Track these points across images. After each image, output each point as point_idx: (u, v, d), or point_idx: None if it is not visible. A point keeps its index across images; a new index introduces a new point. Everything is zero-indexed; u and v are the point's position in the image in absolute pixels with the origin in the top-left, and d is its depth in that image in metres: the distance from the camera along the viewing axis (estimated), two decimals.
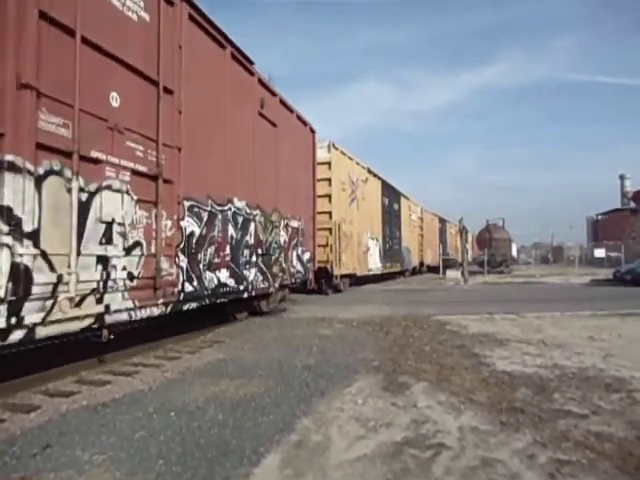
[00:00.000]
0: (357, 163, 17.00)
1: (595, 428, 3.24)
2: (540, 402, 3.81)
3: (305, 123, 11.11)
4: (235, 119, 7.34)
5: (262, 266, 8.41)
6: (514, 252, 41.33)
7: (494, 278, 25.12)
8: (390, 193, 21.90)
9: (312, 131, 11.73)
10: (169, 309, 5.61)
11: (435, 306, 11.00)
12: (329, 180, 14.24)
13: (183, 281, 5.85)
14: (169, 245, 5.57)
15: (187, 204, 6.00)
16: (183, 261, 5.87)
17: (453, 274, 25.95)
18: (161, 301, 5.40)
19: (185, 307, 6.02)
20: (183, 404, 3.92)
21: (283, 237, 9.52)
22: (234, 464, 2.81)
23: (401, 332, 7.32)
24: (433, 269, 32.24)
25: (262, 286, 8.42)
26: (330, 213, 14.17)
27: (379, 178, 20.07)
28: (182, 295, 5.83)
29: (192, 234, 6.12)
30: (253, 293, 8.07)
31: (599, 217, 59.13)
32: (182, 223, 5.86)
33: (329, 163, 14.31)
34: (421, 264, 29.47)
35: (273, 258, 8.92)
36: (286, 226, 9.64)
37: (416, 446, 3.01)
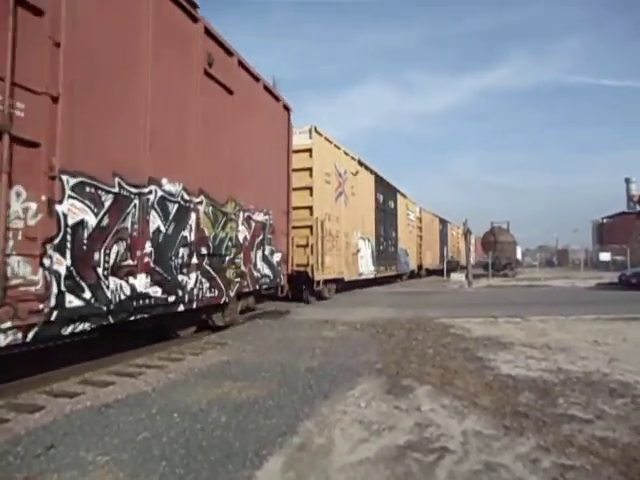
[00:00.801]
0: (345, 153, 14.98)
1: (599, 433, 3.22)
2: (544, 406, 3.79)
3: (277, 98, 9.28)
4: (164, 72, 5.61)
5: (209, 270, 6.60)
6: (519, 255, 41.22)
7: (499, 281, 25.03)
8: (385, 189, 19.95)
9: (287, 109, 9.76)
10: (30, 335, 3.82)
11: (439, 309, 10.96)
12: (310, 170, 12.16)
13: (60, 293, 4.04)
14: (30, 239, 3.79)
15: (71, 181, 4.19)
16: (61, 263, 4.05)
17: (457, 277, 25.83)
18: (7, 325, 3.56)
19: (67, 330, 4.22)
20: (186, 406, 3.93)
21: (243, 233, 7.69)
22: (237, 466, 2.81)
23: (404, 335, 7.31)
24: (433, 272, 31.02)
25: (209, 295, 6.59)
26: (311, 208, 12.09)
27: (372, 172, 18.05)
28: (57, 313, 4.00)
29: (81, 224, 4.31)
30: (195, 305, 6.28)
31: (604, 220, 58.85)
32: (59, 208, 4.05)
33: (310, 150, 12.23)
34: (420, 267, 28.05)
35: (227, 259, 7.12)
36: (247, 220, 7.86)
37: (419, 450, 3.00)
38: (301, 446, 3.10)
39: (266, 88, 8.77)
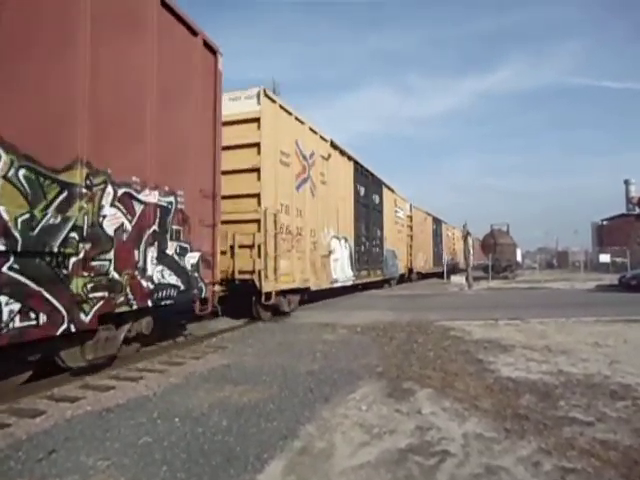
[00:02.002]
0: (313, 130, 11.72)
1: (600, 436, 3.23)
2: (545, 409, 3.79)
3: (194, 31, 6.46)
4: None
5: (19, 280, 3.80)
6: (519, 257, 41.16)
7: (499, 283, 25.02)
8: (367, 180, 16.79)
9: (212, 51, 7.00)
10: None
11: (439, 312, 10.96)
12: (258, 146, 9.06)
13: None
14: None
15: None
16: None
17: (457, 279, 25.79)
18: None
19: None
20: (187, 410, 3.93)
21: (115, 220, 4.97)
22: (238, 470, 2.81)
23: (405, 338, 7.31)
24: (426, 276, 28.95)
25: (21, 325, 3.79)
26: (258, 197, 8.94)
27: (350, 158, 14.83)
28: None
29: None
30: None
31: (604, 222, 58.87)
32: None
33: (258, 120, 9.09)
34: (410, 270, 25.27)
35: (71, 262, 4.33)
36: (126, 200, 5.15)
37: (420, 453, 3.00)
38: (302, 450, 3.10)
39: (173, 12, 5.97)
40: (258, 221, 8.94)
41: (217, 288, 7.17)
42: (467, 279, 21.88)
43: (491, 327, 8.44)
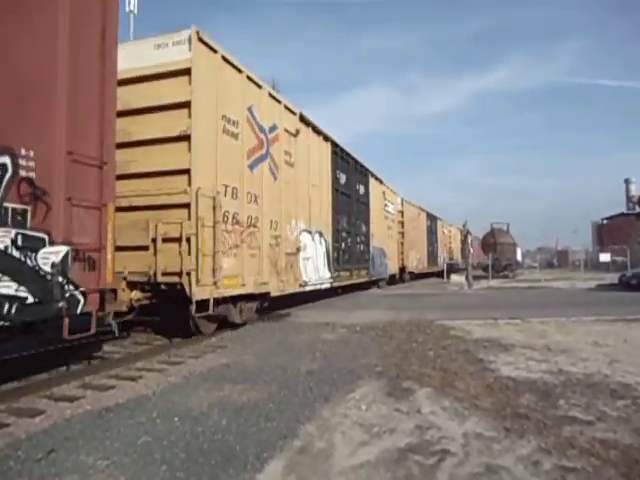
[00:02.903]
0: (274, 98, 9.33)
1: (600, 435, 3.22)
2: (545, 408, 3.79)
3: None
4: None
5: None
6: (519, 256, 41.10)
7: (499, 283, 25.02)
8: (349, 167, 14.58)
9: None
10: None
11: (439, 311, 10.96)
12: (187, 106, 6.82)
13: None
14: None
15: None
16: None
17: (457, 279, 25.76)
18: None
19: None
20: (187, 409, 3.93)
21: None
22: (237, 470, 2.81)
23: (405, 337, 7.31)
24: (419, 276, 27.36)
25: None
26: (189, 174, 6.74)
27: (327, 138, 12.51)
28: None
29: None
30: None
31: (604, 221, 58.87)
32: None
33: (188, 72, 6.84)
34: (402, 270, 23.43)
35: None
36: None
37: (420, 452, 3.00)
38: (302, 449, 3.10)
39: None
40: (188, 206, 6.61)
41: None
42: (467, 278, 21.89)
43: (491, 326, 8.44)
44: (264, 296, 8.88)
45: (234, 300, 7.81)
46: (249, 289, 8.11)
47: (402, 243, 23.45)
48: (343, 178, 14.03)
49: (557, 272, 40.76)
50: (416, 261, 26.11)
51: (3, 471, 2.84)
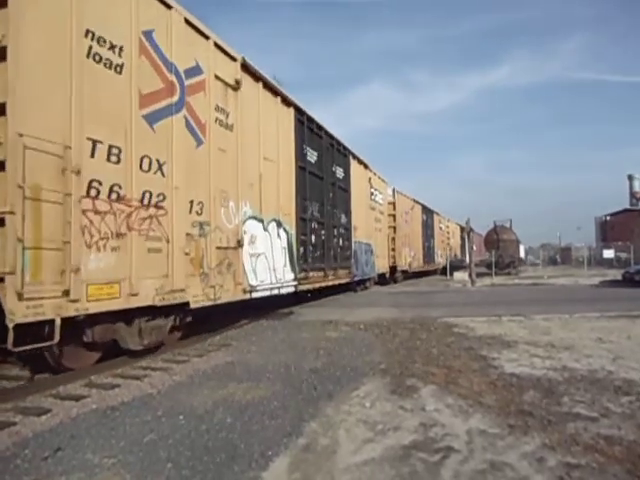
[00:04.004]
0: (195, 27, 6.66)
1: (605, 431, 3.22)
2: (549, 405, 3.79)
3: None
4: None
5: None
6: (522, 253, 40.99)
7: (502, 280, 24.96)
8: (322, 143, 11.84)
9: None
10: None
11: (442, 308, 10.95)
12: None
13: None
14: None
15: None
16: None
17: (460, 276, 25.71)
18: None
19: None
20: (192, 407, 3.95)
21: None
22: (242, 468, 2.83)
23: (408, 335, 7.31)
24: (414, 275, 25.22)
25: None
26: (3, 110, 4.12)
27: (289, 103, 9.87)
28: None
29: None
30: None
31: (608, 218, 58.67)
32: None
33: None
34: (394, 269, 21.17)
35: None
36: None
37: (424, 449, 3.01)
38: (306, 447, 3.11)
39: None
40: (2, 165, 4.12)
41: None
42: (470, 275, 21.85)
43: (494, 323, 8.43)
44: (182, 309, 6.22)
45: (128, 316, 5.44)
46: (145, 300, 5.47)
47: (393, 238, 21.21)
48: (313, 156, 11.30)
49: (560, 269, 40.68)
50: (410, 259, 23.76)
51: (10, 469, 2.87)
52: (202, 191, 6.74)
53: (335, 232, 12.90)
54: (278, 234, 9.35)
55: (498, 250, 30.01)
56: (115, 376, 5.13)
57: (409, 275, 24.09)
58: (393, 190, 21.54)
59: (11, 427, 3.59)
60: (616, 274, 22.57)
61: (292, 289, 9.74)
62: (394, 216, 21.36)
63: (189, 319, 6.61)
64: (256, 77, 8.48)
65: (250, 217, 8.18)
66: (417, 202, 25.97)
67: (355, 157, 15.00)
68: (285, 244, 9.62)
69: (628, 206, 57.83)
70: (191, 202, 6.47)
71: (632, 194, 63.80)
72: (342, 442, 3.17)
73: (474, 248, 24.69)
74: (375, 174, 17.75)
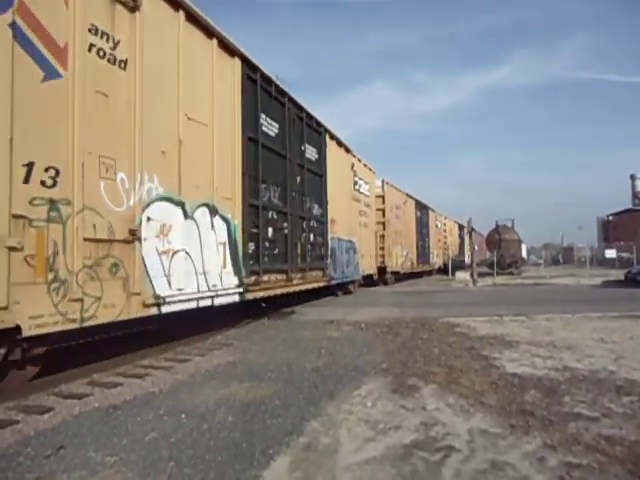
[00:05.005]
0: None
1: (606, 431, 3.22)
2: (550, 405, 3.79)
3: None
4: None
5: None
6: (524, 253, 40.85)
7: (504, 279, 24.91)
8: (286, 114, 9.65)
9: None
10: None
11: (444, 308, 10.95)
12: None
13: None
14: None
15: None
16: None
17: (462, 275, 25.67)
18: None
19: None
20: (193, 406, 3.96)
21: None
22: (244, 466, 2.83)
23: (410, 334, 7.31)
24: (406, 277, 23.50)
25: None
26: None
27: (232, 51, 7.69)
28: None
29: None
30: None
31: (610, 217, 58.55)
32: None
33: None
34: (382, 270, 19.35)
35: None
36: None
37: (425, 449, 3.01)
38: (308, 446, 3.12)
39: None
40: None
41: None
42: (472, 275, 21.83)
43: (496, 323, 8.42)
44: (10, 335, 3.93)
45: None
46: None
47: (383, 236, 19.28)
48: (272, 128, 9.04)
49: (562, 269, 40.59)
50: (402, 258, 21.85)
51: (13, 467, 2.88)
52: (56, 151, 4.45)
53: (304, 225, 10.53)
54: (212, 224, 6.88)
55: (500, 250, 29.94)
56: (117, 375, 5.14)
57: (401, 277, 22.34)
58: (382, 181, 19.59)
59: (14, 425, 3.60)
60: (618, 274, 22.53)
61: (236, 298, 7.40)
62: (383, 211, 19.51)
63: (40, 351, 4.44)
64: (174, 2, 6.18)
65: (160, 198, 5.82)
66: (410, 196, 24.16)
67: (333, 137, 12.82)
68: (223, 238, 7.19)
69: (630, 206, 57.68)
70: (29, 165, 4.13)
71: (634, 194, 63.60)
72: (343, 441, 3.18)
73: (475, 248, 24.62)
74: (360, 160, 15.72)
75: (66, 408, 4.01)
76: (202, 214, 6.71)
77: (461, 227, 43.20)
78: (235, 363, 5.59)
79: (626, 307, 10.03)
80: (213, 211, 6.96)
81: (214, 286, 6.84)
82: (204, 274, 6.65)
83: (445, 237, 36.03)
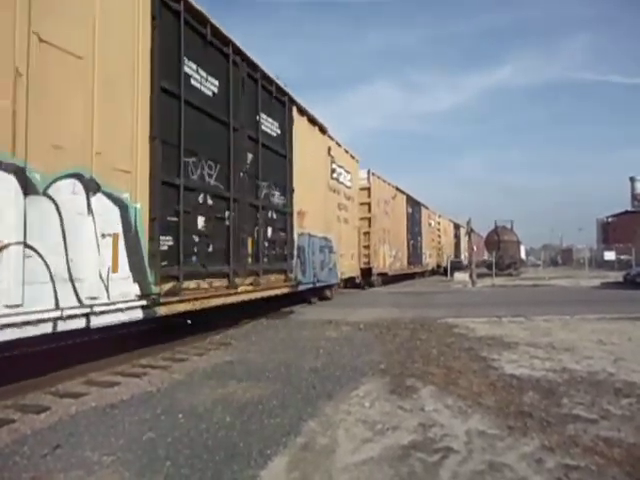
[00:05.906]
0: None
1: (604, 433, 3.21)
2: (548, 406, 3.78)
3: None
4: None
5: None
6: (523, 254, 40.89)
7: (502, 281, 24.92)
8: (228, 66, 7.35)
9: None
10: None
11: (443, 309, 10.95)
12: None
13: None
14: None
15: None
16: None
17: (461, 276, 25.68)
18: None
19: None
20: (191, 406, 3.94)
21: None
22: (241, 466, 2.82)
23: (408, 335, 7.30)
24: (395, 279, 21.56)
25: None
26: None
27: None
28: None
29: None
30: None
31: (609, 219, 58.62)
32: None
33: None
34: (368, 272, 17.52)
35: None
36: None
37: (423, 450, 3.00)
38: (305, 446, 3.11)
39: None
40: None
41: None
42: (471, 276, 21.84)
43: (495, 324, 8.42)
44: None
45: None
46: None
47: (368, 233, 17.31)
48: (207, 83, 6.86)
49: (561, 270, 40.65)
50: (391, 259, 19.97)
51: (9, 466, 2.86)
52: None
53: (258, 216, 8.31)
54: (88, 206, 4.65)
55: (499, 251, 29.96)
56: (115, 374, 5.13)
57: (389, 279, 20.42)
58: (368, 172, 17.43)
59: (10, 424, 3.58)
60: (617, 276, 22.55)
61: (137, 314, 5.26)
62: (369, 205, 17.43)
63: None
64: None
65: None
66: (401, 191, 21.77)
67: (304, 112, 10.38)
68: (113, 228, 4.97)
69: (629, 208, 57.74)
70: None
71: (634, 196, 63.63)
72: (341, 441, 3.17)
73: (474, 249, 24.64)
74: (340, 145, 13.54)
75: (63, 407, 3.99)
76: (67, 190, 4.42)
77: (457, 226, 42.74)
78: (233, 363, 5.57)
79: (625, 309, 10.03)
80: (91, 187, 4.66)
81: (92, 299, 4.60)
82: (71, 281, 4.39)
83: (439, 236, 34.18)
